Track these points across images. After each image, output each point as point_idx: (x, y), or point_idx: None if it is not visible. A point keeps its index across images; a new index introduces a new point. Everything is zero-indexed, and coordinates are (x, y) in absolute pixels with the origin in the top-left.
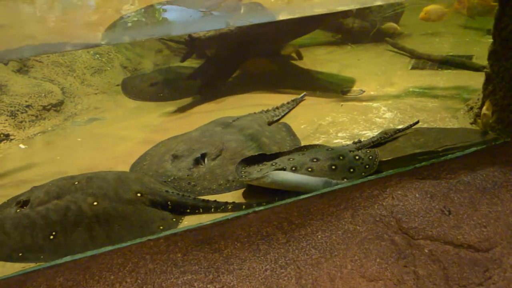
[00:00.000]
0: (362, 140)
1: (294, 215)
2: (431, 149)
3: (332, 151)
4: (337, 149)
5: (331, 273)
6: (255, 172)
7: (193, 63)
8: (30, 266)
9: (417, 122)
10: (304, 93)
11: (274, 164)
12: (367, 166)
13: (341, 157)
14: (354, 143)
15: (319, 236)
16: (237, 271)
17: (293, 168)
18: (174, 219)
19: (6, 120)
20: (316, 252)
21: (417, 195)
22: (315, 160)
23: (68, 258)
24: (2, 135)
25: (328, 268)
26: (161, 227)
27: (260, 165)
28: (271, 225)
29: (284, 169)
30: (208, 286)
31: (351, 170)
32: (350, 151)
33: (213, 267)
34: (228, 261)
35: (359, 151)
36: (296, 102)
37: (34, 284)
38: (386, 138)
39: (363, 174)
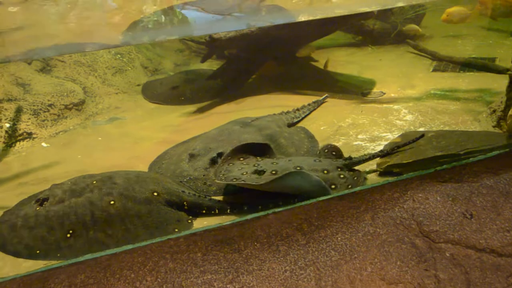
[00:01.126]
0: (353, 157)
1: (313, 216)
2: (453, 152)
3: (319, 163)
4: (324, 162)
5: (351, 275)
6: (236, 170)
7: (213, 64)
8: (52, 263)
9: (422, 136)
10: (326, 95)
11: (256, 165)
12: (349, 186)
13: (325, 171)
14: (345, 159)
15: (339, 238)
16: (256, 271)
17: (273, 172)
18: (189, 220)
19: (29, 118)
20: (336, 254)
21: (438, 198)
22: (298, 168)
23: (88, 256)
24: (25, 134)
25: (348, 270)
26: (176, 230)
27: (241, 163)
28: (290, 226)
29: (264, 172)
30: (228, 286)
31: (332, 186)
32: (338, 167)
33: (232, 267)
34: (247, 261)
35: (346, 170)
36: (317, 104)
37: (56, 281)
38: (379, 156)
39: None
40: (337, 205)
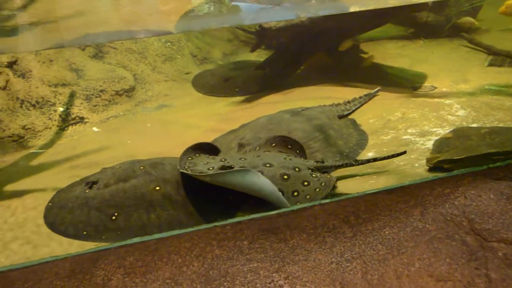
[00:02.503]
0: (324, 161)
1: (361, 209)
2: (508, 149)
3: (290, 161)
4: (295, 160)
5: (398, 270)
6: (201, 165)
7: (261, 54)
8: (102, 244)
9: (403, 153)
10: (378, 88)
11: (223, 160)
12: (317, 190)
13: (296, 169)
14: (316, 161)
15: (386, 232)
16: (302, 262)
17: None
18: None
19: (82, 103)
20: (383, 248)
21: (491, 196)
22: (267, 165)
23: (137, 239)
24: (77, 118)
25: (395, 265)
26: (218, 219)
27: (207, 157)
28: (337, 218)
29: (232, 167)
30: (274, 275)
31: (305, 183)
32: (309, 168)
33: (278, 256)
34: (294, 251)
35: (318, 172)
36: (369, 97)
37: (106, 261)
38: (352, 165)
39: (308, 197)
40: (385, 199)
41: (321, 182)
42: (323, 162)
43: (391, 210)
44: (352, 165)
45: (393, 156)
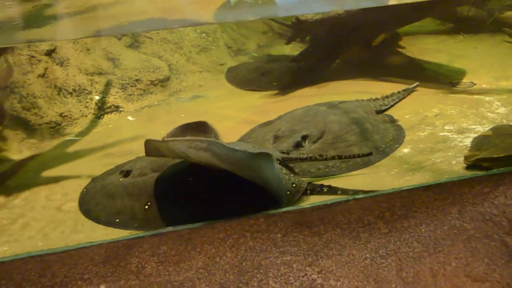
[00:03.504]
0: (289, 152)
1: (396, 205)
2: None
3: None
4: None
5: (434, 268)
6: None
7: (296, 46)
8: (135, 232)
9: (370, 154)
10: (417, 83)
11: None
12: (287, 193)
13: None
14: (282, 152)
15: (422, 230)
16: (336, 256)
17: None
18: None
19: (117, 92)
20: (418, 246)
21: None
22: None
23: (170, 228)
24: (112, 107)
25: (431, 263)
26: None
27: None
28: (372, 213)
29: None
30: (307, 268)
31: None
32: (277, 159)
33: (312, 250)
34: (327, 245)
35: (285, 167)
36: (407, 92)
37: (140, 249)
38: (317, 159)
39: None
40: (422, 196)
41: (292, 183)
42: (288, 153)
43: (428, 207)
44: (316, 159)
45: (359, 156)
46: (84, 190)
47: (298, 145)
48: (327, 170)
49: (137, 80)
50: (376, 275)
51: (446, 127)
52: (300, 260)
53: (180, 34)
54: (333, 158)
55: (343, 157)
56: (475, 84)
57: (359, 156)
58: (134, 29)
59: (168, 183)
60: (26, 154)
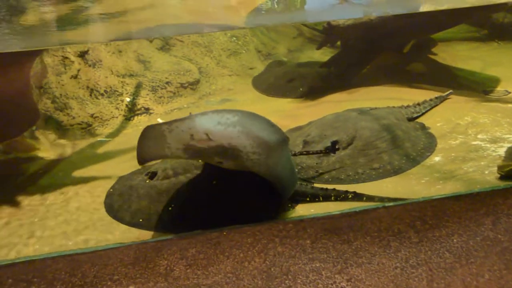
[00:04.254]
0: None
1: (428, 214)
2: None
3: None
4: None
5: (466, 280)
6: None
7: (326, 52)
8: (164, 234)
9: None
10: (450, 90)
11: None
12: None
13: None
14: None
15: (454, 240)
16: (366, 264)
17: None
18: (290, 207)
19: (147, 94)
20: (450, 256)
21: None
22: None
23: (198, 231)
24: (143, 108)
25: (463, 274)
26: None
27: None
28: (403, 222)
29: None
30: (336, 276)
31: None
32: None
33: (341, 257)
34: (357, 253)
35: None
36: (440, 100)
37: (169, 252)
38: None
39: None
40: (454, 205)
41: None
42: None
43: (460, 217)
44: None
45: (316, 152)
46: (111, 189)
47: (328, 150)
48: (356, 177)
49: (167, 83)
50: (406, 285)
51: (479, 136)
52: (329, 267)
53: (211, 37)
54: (301, 153)
55: (305, 153)
56: (509, 92)
57: (316, 152)
58: (167, 33)
59: (193, 186)
60: (57, 154)
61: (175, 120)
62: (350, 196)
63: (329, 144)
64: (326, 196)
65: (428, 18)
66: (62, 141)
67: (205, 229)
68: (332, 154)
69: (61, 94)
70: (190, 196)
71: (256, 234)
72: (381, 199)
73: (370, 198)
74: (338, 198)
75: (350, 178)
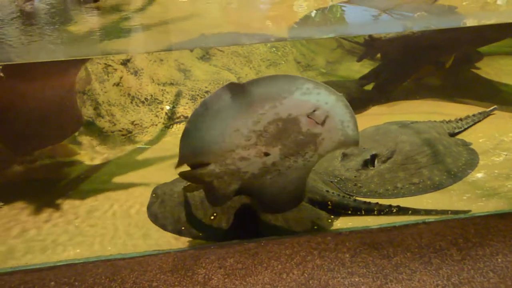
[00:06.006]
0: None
1: (470, 232)
2: None
3: None
4: None
5: None
6: None
7: (365, 64)
8: (203, 242)
9: None
10: (495, 106)
11: None
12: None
13: None
14: None
15: (499, 260)
16: (406, 281)
17: None
18: (330, 220)
19: (187, 103)
20: (494, 276)
21: None
22: None
23: (236, 241)
24: (182, 117)
25: None
26: (315, 227)
27: None
28: (444, 239)
29: None
30: None
31: None
32: None
33: (381, 273)
34: (397, 269)
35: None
36: (483, 116)
37: (207, 260)
38: None
39: None
40: (499, 224)
41: None
42: None
43: (505, 236)
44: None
45: None
46: (153, 195)
47: (366, 164)
48: (395, 191)
49: (206, 92)
50: None
51: None
52: (369, 283)
53: (250, 47)
54: None
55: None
56: None
57: None
58: (209, 44)
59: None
60: (98, 159)
61: None
62: (394, 210)
63: (368, 157)
64: (368, 209)
65: (472, 32)
66: (103, 147)
67: (244, 239)
68: (372, 168)
69: (103, 101)
70: (232, 205)
71: (295, 246)
72: (427, 212)
73: (416, 212)
74: (382, 212)
75: (389, 193)
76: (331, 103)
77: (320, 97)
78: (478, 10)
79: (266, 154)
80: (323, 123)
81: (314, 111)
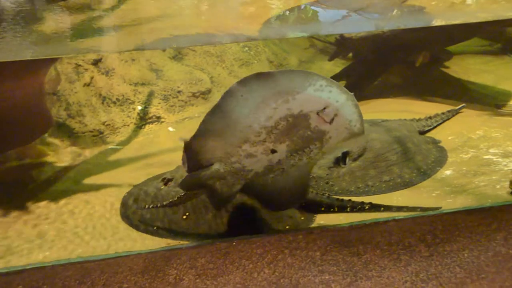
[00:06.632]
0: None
1: (438, 228)
2: None
3: None
4: None
5: None
6: None
7: (337, 63)
8: (174, 243)
9: None
10: (463, 104)
11: None
12: None
13: None
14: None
15: (465, 255)
16: (375, 278)
17: None
18: (302, 218)
19: (159, 103)
20: (461, 271)
21: None
22: None
23: (208, 241)
24: (154, 117)
25: None
26: (287, 226)
27: None
28: (413, 236)
29: None
30: None
31: None
32: None
33: (351, 270)
34: (367, 266)
35: None
36: (452, 114)
37: (178, 261)
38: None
39: None
40: (465, 220)
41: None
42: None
43: (472, 232)
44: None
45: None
46: (126, 195)
47: (338, 162)
48: (366, 189)
49: (179, 92)
50: None
51: (491, 150)
52: (339, 280)
53: (223, 47)
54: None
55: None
56: None
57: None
58: (181, 44)
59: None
60: (69, 161)
61: None
62: (366, 207)
63: (339, 154)
64: (342, 206)
65: (440, 32)
66: (74, 148)
67: (215, 239)
68: (343, 165)
69: (73, 102)
70: (204, 205)
71: (266, 245)
72: (399, 208)
73: (387, 208)
74: (354, 209)
75: (360, 191)
76: (342, 101)
77: (331, 95)
78: (446, 10)
79: (273, 151)
80: (331, 121)
81: (324, 108)
